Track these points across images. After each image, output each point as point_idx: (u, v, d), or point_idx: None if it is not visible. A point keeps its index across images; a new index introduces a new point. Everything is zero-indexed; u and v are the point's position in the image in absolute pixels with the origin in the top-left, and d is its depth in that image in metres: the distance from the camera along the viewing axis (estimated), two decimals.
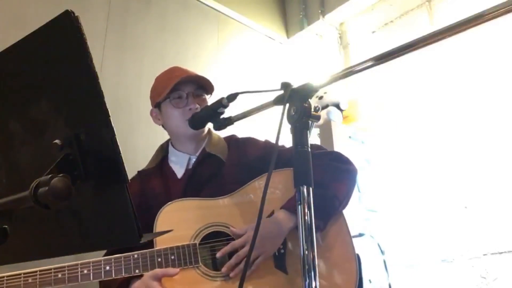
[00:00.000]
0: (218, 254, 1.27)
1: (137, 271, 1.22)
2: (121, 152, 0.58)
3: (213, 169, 1.46)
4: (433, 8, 2.87)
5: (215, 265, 1.29)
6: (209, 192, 1.39)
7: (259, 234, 1.20)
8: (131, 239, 0.59)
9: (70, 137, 0.60)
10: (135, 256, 1.23)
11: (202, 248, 1.29)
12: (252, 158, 1.48)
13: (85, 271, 1.19)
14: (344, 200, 1.38)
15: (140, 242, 0.57)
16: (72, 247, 0.67)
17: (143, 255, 1.23)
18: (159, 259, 1.23)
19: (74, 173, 0.58)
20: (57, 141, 0.60)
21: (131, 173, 1.61)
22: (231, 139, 1.58)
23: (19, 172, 0.69)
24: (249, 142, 1.56)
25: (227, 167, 1.47)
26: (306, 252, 0.81)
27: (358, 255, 1.35)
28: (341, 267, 1.32)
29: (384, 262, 1.89)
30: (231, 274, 1.25)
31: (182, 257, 1.25)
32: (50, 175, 0.54)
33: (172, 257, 1.24)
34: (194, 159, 1.51)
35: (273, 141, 1.49)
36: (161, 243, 1.27)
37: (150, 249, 1.25)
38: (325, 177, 1.36)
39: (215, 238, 1.32)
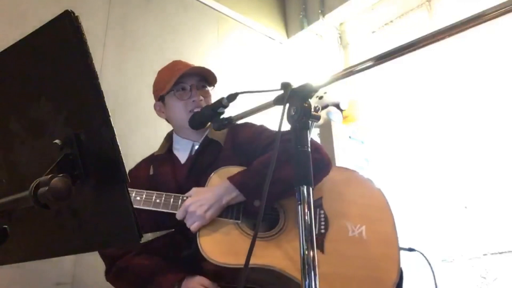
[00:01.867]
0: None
1: None
2: (121, 152, 0.58)
3: (214, 154, 1.49)
4: (433, 8, 2.87)
5: (253, 226, 1.37)
6: None
7: (197, 198, 1.28)
8: (131, 239, 0.58)
9: (70, 137, 0.60)
10: (184, 198, 1.33)
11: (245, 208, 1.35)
12: (241, 141, 1.51)
13: (138, 198, 1.31)
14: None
15: (140, 242, 0.57)
16: (72, 247, 0.67)
17: None
18: None
19: (74, 173, 0.58)
20: (57, 141, 0.60)
21: None
22: (232, 125, 1.59)
23: (19, 172, 0.69)
24: (243, 125, 1.58)
25: (224, 152, 1.49)
26: (306, 252, 0.81)
27: (401, 269, 1.34)
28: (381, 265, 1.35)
29: (434, 278, 1.83)
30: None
31: (226, 208, 1.33)
32: (50, 175, 0.53)
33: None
34: (197, 146, 1.54)
35: (270, 127, 1.52)
36: None
37: None
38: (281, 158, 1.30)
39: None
